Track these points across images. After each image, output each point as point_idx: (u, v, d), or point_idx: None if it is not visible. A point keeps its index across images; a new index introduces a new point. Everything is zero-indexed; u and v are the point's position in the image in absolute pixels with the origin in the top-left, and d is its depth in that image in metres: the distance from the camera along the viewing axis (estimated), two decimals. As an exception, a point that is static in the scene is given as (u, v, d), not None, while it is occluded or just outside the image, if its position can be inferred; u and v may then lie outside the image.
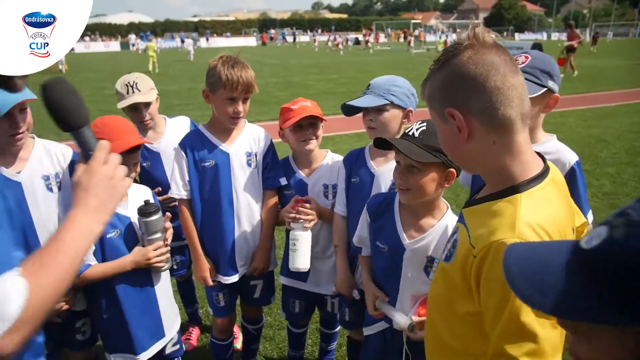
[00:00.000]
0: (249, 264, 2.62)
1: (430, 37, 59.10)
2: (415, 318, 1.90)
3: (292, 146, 2.58)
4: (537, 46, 26.99)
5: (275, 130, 2.61)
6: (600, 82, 16.54)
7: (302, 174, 2.59)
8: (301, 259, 2.40)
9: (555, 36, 61.15)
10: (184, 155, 2.49)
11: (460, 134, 1.17)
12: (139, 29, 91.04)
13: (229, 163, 2.48)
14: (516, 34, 70.91)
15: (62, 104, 1.14)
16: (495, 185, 1.20)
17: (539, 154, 1.25)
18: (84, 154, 1.18)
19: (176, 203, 2.57)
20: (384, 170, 2.32)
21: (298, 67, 25.61)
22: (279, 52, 43.33)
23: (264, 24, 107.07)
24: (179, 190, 2.50)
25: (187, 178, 2.49)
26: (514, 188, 1.15)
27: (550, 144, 2.03)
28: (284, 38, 67.11)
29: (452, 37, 36.87)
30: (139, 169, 2.42)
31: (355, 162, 2.43)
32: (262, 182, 2.58)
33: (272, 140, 2.64)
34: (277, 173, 2.59)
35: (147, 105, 2.82)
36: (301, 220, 2.38)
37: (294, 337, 2.95)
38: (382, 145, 1.95)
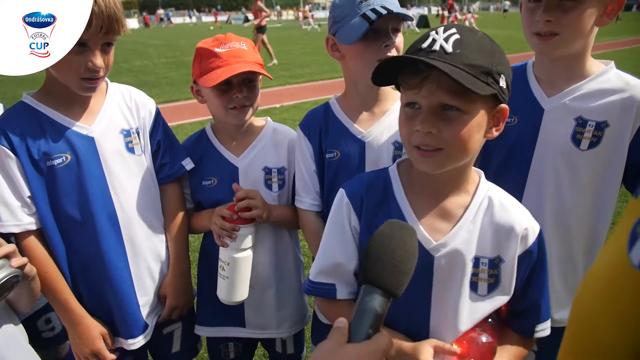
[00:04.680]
0: (159, 306, 1.75)
1: (319, 14, 59.00)
2: None
3: (213, 112, 1.73)
4: (423, 18, 28.62)
5: (170, 114, 1.73)
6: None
7: (228, 153, 1.74)
8: (238, 288, 1.61)
9: (434, 10, 64.51)
10: (10, 152, 1.44)
11: None
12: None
13: (96, 153, 1.53)
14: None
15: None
16: None
17: None
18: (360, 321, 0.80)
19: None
20: (377, 133, 1.56)
21: (190, 47, 23.95)
22: (164, 33, 40.67)
23: (145, 5, 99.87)
24: (14, 217, 1.45)
25: (26, 192, 1.48)
26: None
27: (610, 75, 1.44)
28: (168, 19, 62.91)
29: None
30: None
31: (325, 128, 1.62)
32: (155, 174, 1.71)
33: (158, 107, 1.75)
34: (175, 155, 1.72)
35: None
36: (238, 236, 1.57)
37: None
38: (384, 78, 1.12)
